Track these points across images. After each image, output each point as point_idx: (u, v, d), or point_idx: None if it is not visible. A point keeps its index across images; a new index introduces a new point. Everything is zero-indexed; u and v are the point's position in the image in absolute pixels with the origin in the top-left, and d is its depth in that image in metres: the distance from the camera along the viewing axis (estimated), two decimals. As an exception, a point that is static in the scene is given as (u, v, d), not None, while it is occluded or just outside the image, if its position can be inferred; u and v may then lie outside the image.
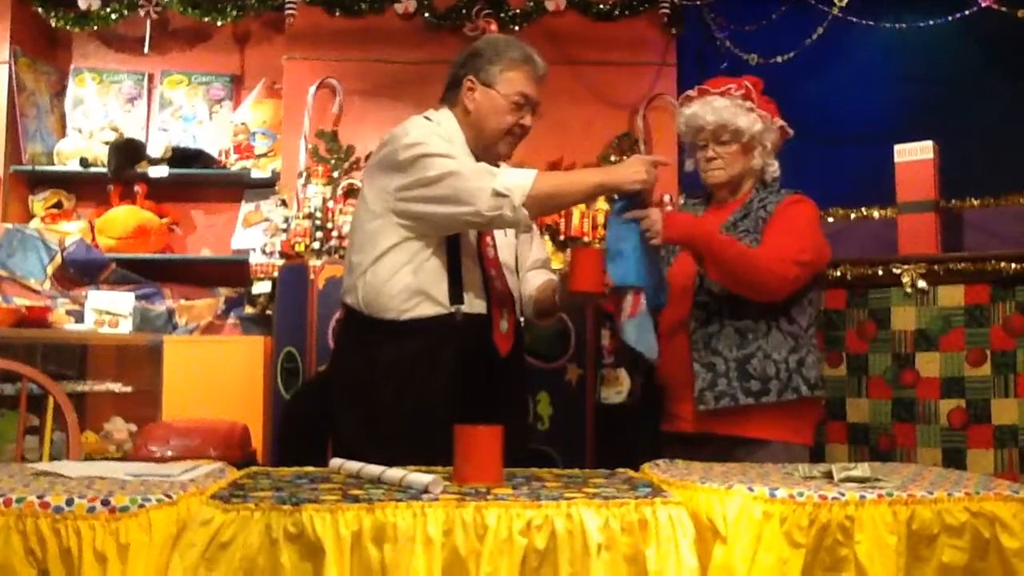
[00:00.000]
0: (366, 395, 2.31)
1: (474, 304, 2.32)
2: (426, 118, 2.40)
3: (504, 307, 2.37)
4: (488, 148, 2.38)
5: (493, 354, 2.32)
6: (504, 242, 2.43)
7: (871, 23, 3.64)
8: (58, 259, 4.18)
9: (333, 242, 3.72)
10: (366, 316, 2.34)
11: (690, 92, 2.59)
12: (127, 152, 4.31)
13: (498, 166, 2.36)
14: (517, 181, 2.17)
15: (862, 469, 1.75)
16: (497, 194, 2.17)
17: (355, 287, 2.35)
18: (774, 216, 2.45)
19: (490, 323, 2.33)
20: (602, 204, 3.86)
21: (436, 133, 2.31)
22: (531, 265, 2.59)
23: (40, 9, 4.36)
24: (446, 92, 2.44)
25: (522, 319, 2.49)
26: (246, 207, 4.49)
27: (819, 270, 2.50)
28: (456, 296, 2.29)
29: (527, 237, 2.57)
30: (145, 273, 4.30)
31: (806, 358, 2.42)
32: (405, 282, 2.27)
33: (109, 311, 4.03)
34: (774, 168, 2.56)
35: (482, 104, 2.35)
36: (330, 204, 3.84)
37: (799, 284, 2.40)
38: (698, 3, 4.10)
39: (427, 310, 2.29)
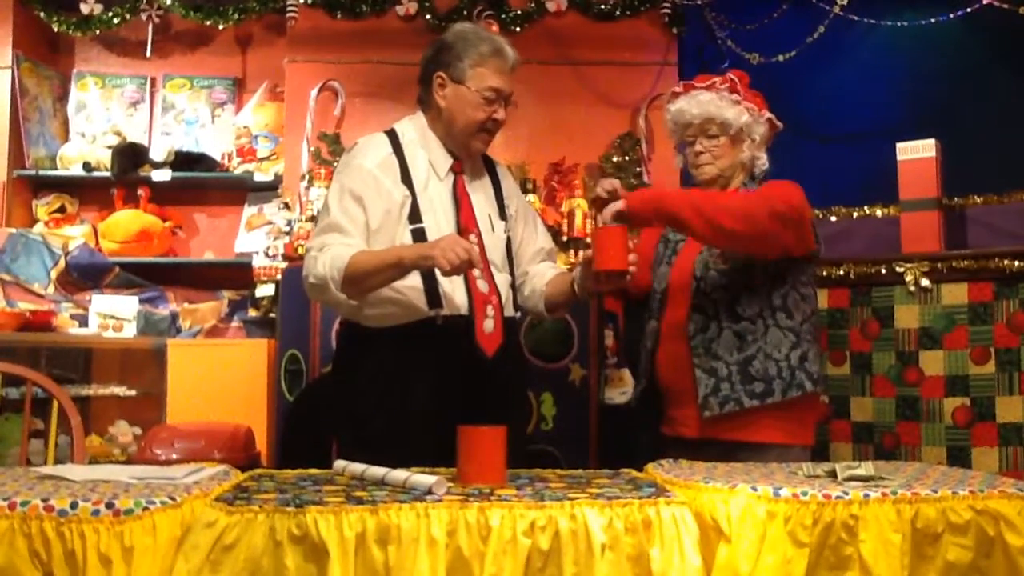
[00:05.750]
0: (353, 401, 2.31)
1: (455, 306, 2.26)
2: (390, 133, 2.38)
3: (488, 306, 2.30)
4: (462, 144, 2.36)
5: (480, 355, 2.27)
6: (493, 238, 2.37)
7: (872, 21, 3.64)
8: (62, 263, 4.18)
9: (336, 244, 3.72)
10: (352, 322, 2.35)
11: (676, 88, 2.56)
12: (130, 156, 4.32)
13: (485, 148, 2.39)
14: (329, 272, 2.19)
15: (866, 468, 1.74)
16: (313, 286, 2.24)
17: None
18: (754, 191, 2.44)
19: (473, 324, 2.27)
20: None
21: (359, 176, 2.28)
22: (535, 256, 2.51)
23: (42, 14, 4.38)
24: (420, 90, 2.40)
25: (517, 314, 2.43)
26: (249, 210, 4.50)
27: (802, 227, 2.37)
28: (434, 300, 2.25)
29: (528, 226, 2.51)
30: (149, 277, 4.31)
31: (807, 353, 2.39)
32: (379, 290, 2.24)
33: (113, 315, 4.04)
34: (762, 161, 2.51)
35: (452, 101, 2.32)
36: (333, 206, 3.83)
37: (787, 233, 2.30)
38: (699, 2, 4.10)
39: (405, 317, 2.26)
